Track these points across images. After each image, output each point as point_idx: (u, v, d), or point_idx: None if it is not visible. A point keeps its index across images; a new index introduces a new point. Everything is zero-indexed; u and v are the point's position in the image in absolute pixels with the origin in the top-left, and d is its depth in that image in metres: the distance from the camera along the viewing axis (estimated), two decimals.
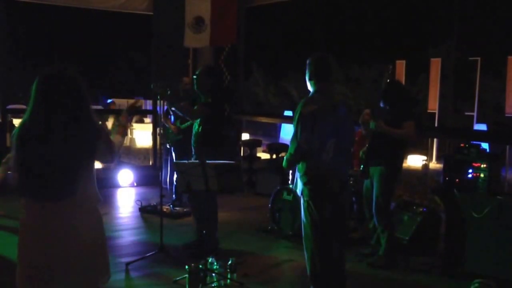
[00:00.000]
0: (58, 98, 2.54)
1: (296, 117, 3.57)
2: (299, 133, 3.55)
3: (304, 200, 3.68)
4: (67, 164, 2.54)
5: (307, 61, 3.73)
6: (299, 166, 3.67)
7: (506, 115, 10.79)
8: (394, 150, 4.79)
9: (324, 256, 3.68)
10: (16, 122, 9.11)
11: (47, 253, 2.59)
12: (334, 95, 3.70)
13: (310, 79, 3.71)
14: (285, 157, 3.76)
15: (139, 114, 14.70)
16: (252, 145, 9.19)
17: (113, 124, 3.08)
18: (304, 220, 3.72)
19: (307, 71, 3.72)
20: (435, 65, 12.32)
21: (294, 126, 3.60)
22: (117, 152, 2.78)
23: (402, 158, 4.98)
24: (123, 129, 3.00)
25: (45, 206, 2.57)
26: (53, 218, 2.57)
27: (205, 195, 4.86)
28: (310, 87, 3.73)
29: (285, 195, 5.86)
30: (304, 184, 3.64)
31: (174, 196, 7.04)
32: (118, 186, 8.19)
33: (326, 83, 3.70)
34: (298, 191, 3.75)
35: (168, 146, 7.02)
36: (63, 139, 2.52)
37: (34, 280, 2.61)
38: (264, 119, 10.81)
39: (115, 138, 2.86)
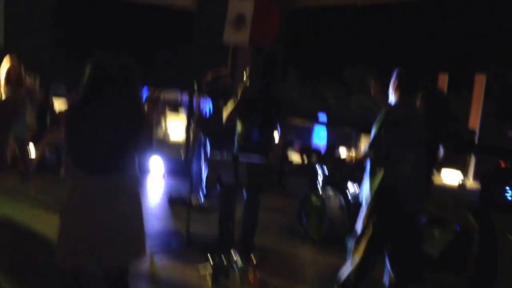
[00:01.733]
0: (110, 81, 2.69)
1: (378, 123, 3.56)
2: (379, 138, 3.53)
3: (367, 208, 3.64)
4: (112, 142, 2.68)
5: (394, 72, 3.73)
6: (371, 174, 3.63)
7: None
8: None
9: (366, 271, 3.66)
10: (57, 102, 9.28)
11: (90, 225, 2.71)
12: (416, 108, 3.68)
13: (395, 90, 3.69)
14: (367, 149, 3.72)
15: (172, 105, 14.84)
16: (284, 146, 9.15)
17: (146, 99, 3.21)
18: (360, 227, 3.68)
19: (393, 82, 3.71)
20: (480, 81, 12.05)
21: (375, 133, 3.59)
22: (154, 143, 2.88)
23: None
24: (153, 104, 3.16)
25: (91, 179, 2.70)
26: (98, 191, 2.71)
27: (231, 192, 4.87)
28: (392, 98, 3.72)
29: (314, 200, 5.81)
30: (373, 193, 3.59)
31: (204, 190, 7.07)
32: (148, 172, 8.26)
33: (410, 95, 3.70)
34: (364, 198, 3.70)
35: (202, 139, 7.04)
36: (110, 120, 2.66)
37: (74, 250, 2.73)
38: (298, 121, 10.77)
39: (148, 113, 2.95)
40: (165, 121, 13.78)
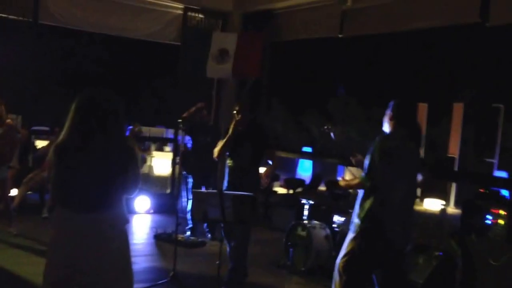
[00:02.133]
0: (96, 118, 2.68)
1: (375, 152, 3.62)
2: (374, 167, 3.58)
3: (353, 235, 3.67)
4: (100, 178, 2.67)
5: (391, 103, 3.82)
6: (362, 201, 3.69)
7: None
8: None
9: None
10: (39, 143, 9.27)
11: (76, 264, 2.66)
12: (410, 140, 3.75)
13: (390, 120, 3.78)
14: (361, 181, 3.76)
15: (157, 142, 14.87)
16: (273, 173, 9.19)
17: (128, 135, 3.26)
18: (343, 254, 3.71)
19: (389, 112, 3.80)
20: (458, 110, 12.31)
21: (368, 161, 3.65)
22: (140, 182, 2.86)
23: None
24: (135, 140, 3.16)
25: (77, 216, 2.67)
26: (83, 229, 2.67)
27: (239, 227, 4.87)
28: (387, 128, 3.81)
29: (300, 231, 5.83)
30: (362, 219, 3.64)
31: (190, 224, 7.07)
32: (134, 213, 8.23)
33: (405, 127, 3.76)
34: (351, 226, 3.74)
35: (185, 174, 7.08)
36: (98, 156, 2.65)
37: None
38: (283, 154, 10.82)
39: None
40: (150, 157, 13.78)
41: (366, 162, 3.66)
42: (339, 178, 4.09)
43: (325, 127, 5.04)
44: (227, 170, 5.10)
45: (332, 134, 4.66)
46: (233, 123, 4.91)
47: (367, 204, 3.62)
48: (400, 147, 3.66)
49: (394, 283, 3.74)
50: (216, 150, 5.02)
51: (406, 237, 3.76)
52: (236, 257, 4.95)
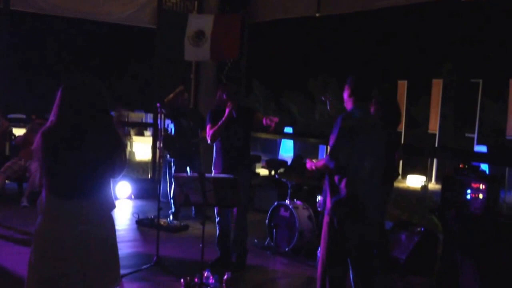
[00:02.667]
0: (83, 105, 2.69)
1: (335, 131, 3.56)
2: (338, 146, 3.54)
3: (327, 217, 3.64)
4: (88, 165, 2.66)
5: (349, 79, 3.75)
6: (332, 181, 3.63)
7: (507, 137, 10.80)
8: None
9: (334, 281, 3.65)
10: (16, 131, 9.12)
11: (64, 251, 2.64)
12: (372, 115, 3.67)
13: (349, 96, 3.71)
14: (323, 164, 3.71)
15: (137, 127, 14.74)
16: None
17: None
18: (322, 237, 3.69)
19: (347, 88, 3.73)
20: (437, 86, 12.37)
21: (332, 140, 3.60)
22: (126, 165, 2.86)
23: None
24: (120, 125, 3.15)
25: (65, 203, 2.66)
26: (72, 215, 2.66)
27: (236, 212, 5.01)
28: (348, 105, 3.74)
29: (282, 212, 5.84)
30: (335, 200, 3.60)
31: (172, 209, 7.03)
32: (115, 198, 8.14)
33: (366, 101, 3.71)
34: (325, 207, 3.71)
35: (168, 159, 7.03)
36: (86, 143, 2.65)
37: (47, 279, 2.66)
38: (263, 135, 10.80)
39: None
40: (129, 142, 13.66)
41: (330, 142, 3.61)
42: (306, 161, 4.00)
43: (327, 95, 4.91)
44: (218, 152, 5.12)
45: (328, 105, 4.54)
46: (229, 110, 4.91)
47: (337, 184, 3.59)
48: (361, 124, 3.59)
49: (369, 263, 3.72)
50: (210, 135, 5.02)
51: (380, 215, 3.74)
52: (239, 243, 5.15)
